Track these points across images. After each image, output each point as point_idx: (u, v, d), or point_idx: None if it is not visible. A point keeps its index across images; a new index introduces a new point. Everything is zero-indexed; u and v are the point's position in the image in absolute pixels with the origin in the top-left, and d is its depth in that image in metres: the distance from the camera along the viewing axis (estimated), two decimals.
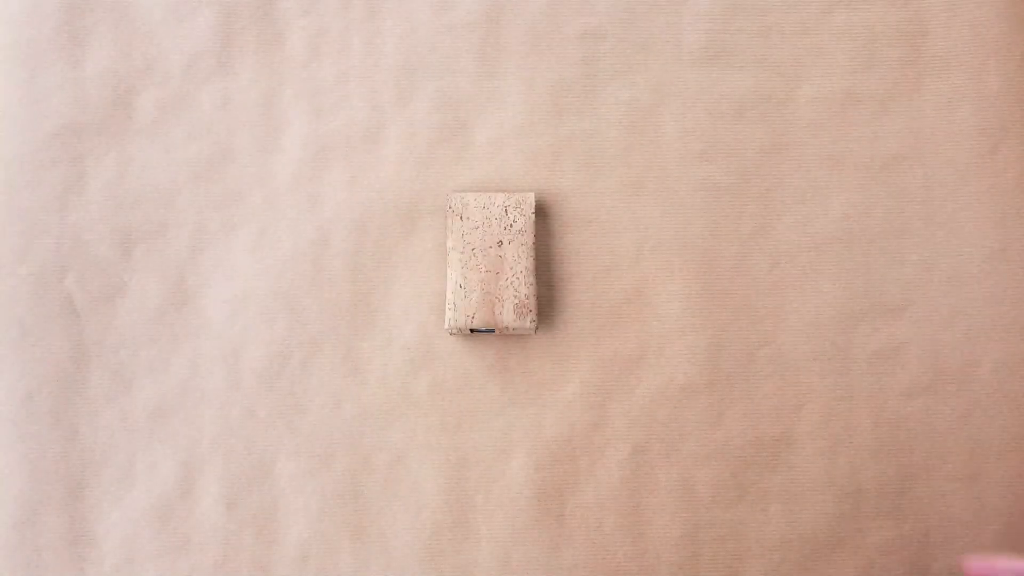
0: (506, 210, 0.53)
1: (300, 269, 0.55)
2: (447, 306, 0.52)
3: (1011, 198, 0.55)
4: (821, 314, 0.55)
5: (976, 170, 0.55)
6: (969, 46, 0.56)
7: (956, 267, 0.55)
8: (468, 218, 0.53)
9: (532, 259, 0.53)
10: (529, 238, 0.53)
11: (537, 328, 0.53)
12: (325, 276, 0.55)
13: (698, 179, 0.55)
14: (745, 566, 0.54)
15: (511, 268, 0.53)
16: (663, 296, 0.55)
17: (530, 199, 0.54)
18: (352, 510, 0.53)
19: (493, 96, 0.56)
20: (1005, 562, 0.41)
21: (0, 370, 0.53)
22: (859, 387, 0.54)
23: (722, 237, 0.55)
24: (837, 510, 0.54)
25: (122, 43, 0.55)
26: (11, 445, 0.53)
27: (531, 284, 0.53)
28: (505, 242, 0.53)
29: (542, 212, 0.55)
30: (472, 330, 0.52)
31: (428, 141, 0.55)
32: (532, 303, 0.52)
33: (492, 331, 0.52)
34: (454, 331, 0.53)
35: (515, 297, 0.52)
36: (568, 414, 0.54)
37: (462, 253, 0.53)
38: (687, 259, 0.55)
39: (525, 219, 0.53)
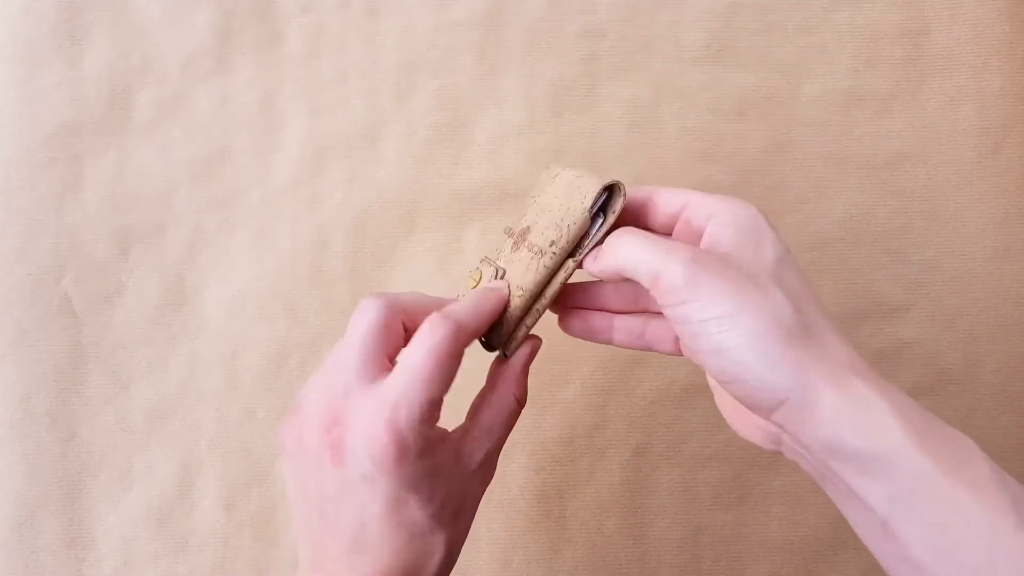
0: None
1: (299, 269, 0.54)
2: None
3: (1014, 197, 0.55)
4: None
5: (979, 169, 0.55)
6: (971, 45, 0.56)
7: (959, 267, 0.55)
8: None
9: (541, 278, 0.36)
10: (558, 250, 0.36)
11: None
12: (324, 276, 0.55)
13: (700, 178, 0.55)
14: (747, 568, 0.53)
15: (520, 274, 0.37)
16: None
17: (591, 190, 0.36)
18: None
19: (493, 95, 0.56)
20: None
21: None
22: None
23: None
24: (840, 512, 0.53)
25: (120, 42, 0.55)
26: (8, 446, 0.53)
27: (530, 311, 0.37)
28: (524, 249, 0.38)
29: None
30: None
31: (427, 140, 0.55)
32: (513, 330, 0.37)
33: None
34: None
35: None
36: (569, 415, 0.54)
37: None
38: None
39: (573, 227, 0.36)
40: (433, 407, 0.32)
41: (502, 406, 0.37)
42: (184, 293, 0.54)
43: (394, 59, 0.56)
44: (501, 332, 0.37)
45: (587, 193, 0.36)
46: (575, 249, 0.37)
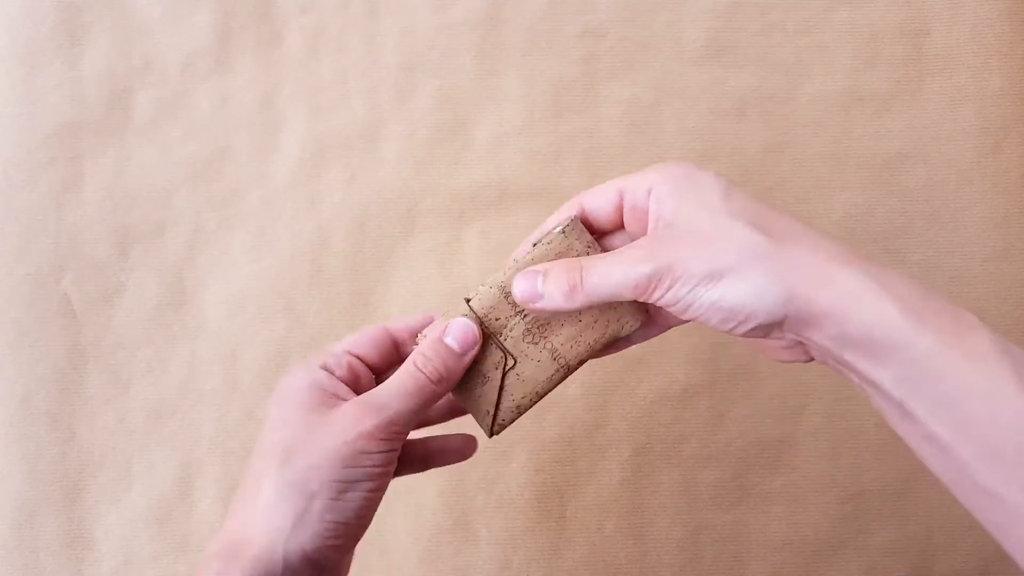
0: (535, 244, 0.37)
1: (299, 269, 0.54)
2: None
3: (1014, 197, 0.55)
4: None
5: (978, 169, 0.55)
6: (971, 45, 0.56)
7: (959, 267, 0.55)
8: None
9: (554, 387, 0.37)
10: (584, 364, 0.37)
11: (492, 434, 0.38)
12: (324, 276, 0.55)
13: None
14: (747, 568, 0.53)
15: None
16: None
17: (630, 321, 0.37)
18: None
19: (493, 95, 0.56)
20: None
21: None
22: None
23: None
24: (839, 512, 0.53)
25: (120, 42, 0.55)
26: (8, 447, 0.53)
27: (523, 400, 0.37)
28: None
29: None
30: None
31: (427, 140, 0.55)
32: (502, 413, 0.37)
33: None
34: None
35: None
36: (569, 415, 0.54)
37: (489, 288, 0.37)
38: None
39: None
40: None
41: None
42: (184, 293, 0.54)
43: (394, 59, 0.56)
44: (488, 410, 0.37)
45: (625, 323, 0.37)
46: None
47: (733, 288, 0.31)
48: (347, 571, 0.37)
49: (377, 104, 0.55)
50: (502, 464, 0.54)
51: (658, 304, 0.33)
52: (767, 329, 0.32)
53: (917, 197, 0.55)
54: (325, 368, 0.36)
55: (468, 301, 0.37)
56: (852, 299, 0.30)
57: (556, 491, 0.54)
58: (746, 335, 0.32)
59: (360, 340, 0.38)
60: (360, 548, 0.34)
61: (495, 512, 0.53)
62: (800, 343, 0.33)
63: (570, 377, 0.37)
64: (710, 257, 0.31)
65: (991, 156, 0.55)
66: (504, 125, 0.55)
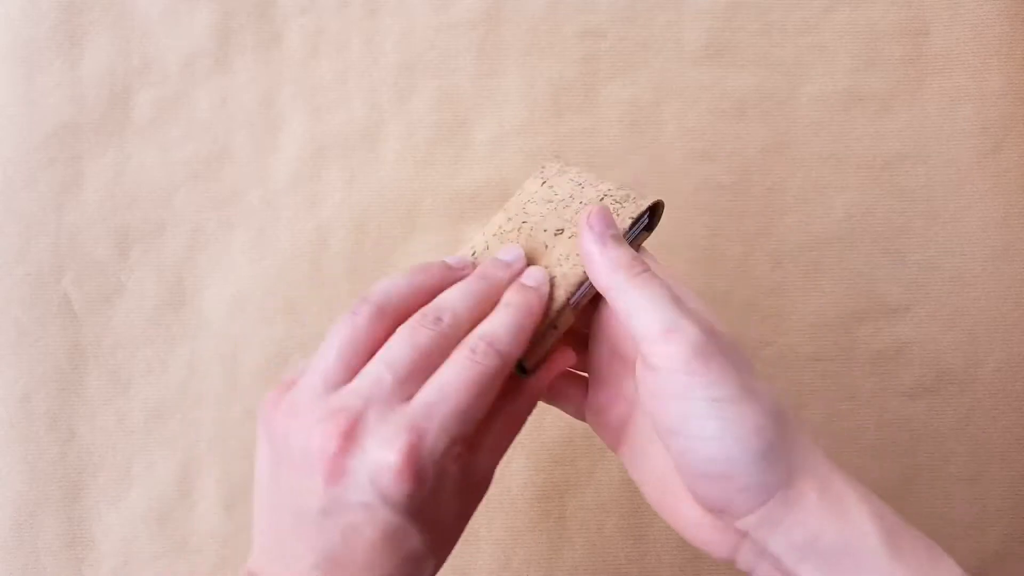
0: (603, 197, 0.36)
1: (299, 269, 0.54)
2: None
3: (1014, 197, 0.55)
4: (823, 314, 0.54)
5: (978, 169, 0.55)
6: (971, 45, 0.56)
7: (959, 267, 0.55)
8: (552, 187, 0.37)
9: (577, 282, 0.33)
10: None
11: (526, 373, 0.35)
12: (324, 276, 0.55)
13: (699, 178, 0.55)
14: None
15: (552, 266, 0.34)
16: None
17: (643, 203, 0.35)
18: None
19: (493, 95, 0.56)
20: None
21: None
22: (861, 388, 0.54)
23: (723, 236, 0.55)
24: None
25: (120, 42, 0.55)
26: (8, 447, 0.53)
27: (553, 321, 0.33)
28: (566, 235, 0.35)
29: None
30: None
31: (427, 140, 0.55)
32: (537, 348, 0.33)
33: None
34: None
35: None
36: (569, 415, 0.54)
37: (510, 219, 0.36)
38: (688, 259, 0.55)
39: (620, 221, 0.34)
40: (463, 442, 0.30)
41: (517, 421, 0.34)
42: (184, 293, 0.54)
43: (394, 59, 0.56)
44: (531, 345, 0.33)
45: (625, 217, 0.35)
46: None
47: (746, 437, 0.28)
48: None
49: (377, 104, 0.55)
50: (502, 464, 0.54)
51: (657, 379, 0.30)
52: (735, 504, 0.28)
53: (917, 197, 0.55)
54: None
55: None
56: (839, 507, 0.28)
57: (556, 491, 0.54)
58: (706, 494, 0.29)
59: None
60: None
61: (495, 512, 0.53)
62: (739, 536, 0.30)
63: None
64: (742, 389, 0.28)
65: (991, 156, 0.55)
66: (504, 125, 0.55)
